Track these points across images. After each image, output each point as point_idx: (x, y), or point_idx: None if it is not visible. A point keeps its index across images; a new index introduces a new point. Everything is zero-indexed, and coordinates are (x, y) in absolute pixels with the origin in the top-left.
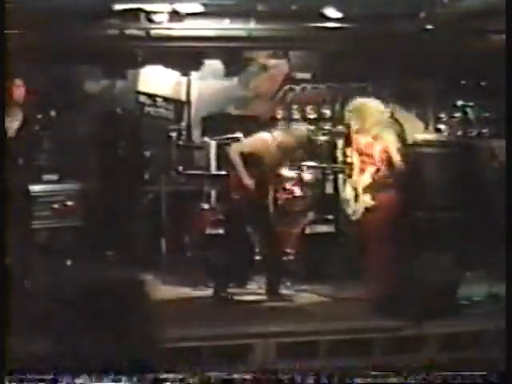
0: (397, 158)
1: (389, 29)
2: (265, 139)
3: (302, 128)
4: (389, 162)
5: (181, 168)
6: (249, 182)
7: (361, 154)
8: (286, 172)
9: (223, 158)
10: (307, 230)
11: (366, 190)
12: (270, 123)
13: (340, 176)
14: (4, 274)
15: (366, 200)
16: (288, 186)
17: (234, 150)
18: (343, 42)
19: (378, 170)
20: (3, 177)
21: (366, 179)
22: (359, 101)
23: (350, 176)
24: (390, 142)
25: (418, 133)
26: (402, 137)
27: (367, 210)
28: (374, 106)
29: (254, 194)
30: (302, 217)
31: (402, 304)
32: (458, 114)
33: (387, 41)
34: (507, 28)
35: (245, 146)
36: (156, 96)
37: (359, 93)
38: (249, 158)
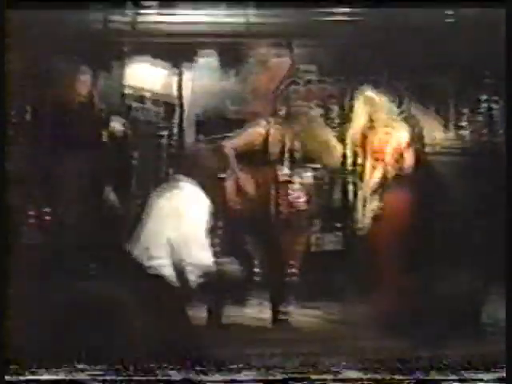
0: (409, 157)
1: (404, 16)
2: (259, 132)
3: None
4: (401, 162)
5: (171, 171)
6: (247, 184)
7: (374, 152)
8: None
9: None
10: (313, 240)
11: (374, 193)
12: None
13: (349, 179)
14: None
15: (374, 204)
16: (291, 190)
17: (226, 146)
18: (353, 31)
19: (386, 171)
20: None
21: (374, 182)
22: (367, 93)
23: (360, 179)
24: (403, 140)
25: (438, 131)
26: (419, 135)
27: (376, 217)
28: (383, 101)
29: (253, 201)
30: (308, 224)
31: (418, 325)
32: (482, 110)
33: (402, 29)
34: (507, 28)
35: (237, 143)
36: (144, 93)
37: (371, 87)
38: (242, 157)
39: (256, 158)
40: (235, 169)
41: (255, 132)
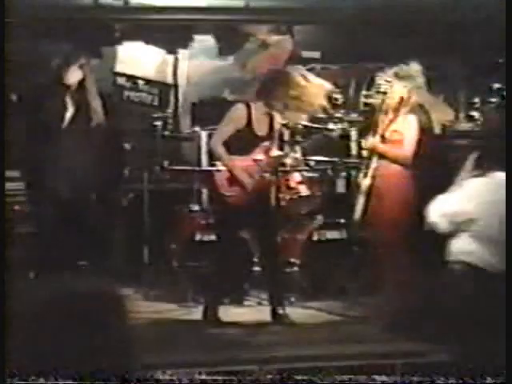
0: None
1: None
2: (240, 112)
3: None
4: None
5: (166, 163)
6: (245, 178)
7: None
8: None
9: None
10: (315, 236)
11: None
12: None
13: (354, 173)
14: None
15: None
16: (293, 183)
17: (214, 143)
18: (358, 14)
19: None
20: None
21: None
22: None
23: (365, 173)
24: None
25: (447, 121)
26: (427, 126)
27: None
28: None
29: (251, 194)
30: (309, 220)
31: (427, 323)
32: (494, 99)
33: (411, 12)
34: (507, 29)
35: (223, 133)
36: (137, 78)
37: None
38: (233, 145)
39: (244, 142)
40: (227, 162)
41: (236, 115)
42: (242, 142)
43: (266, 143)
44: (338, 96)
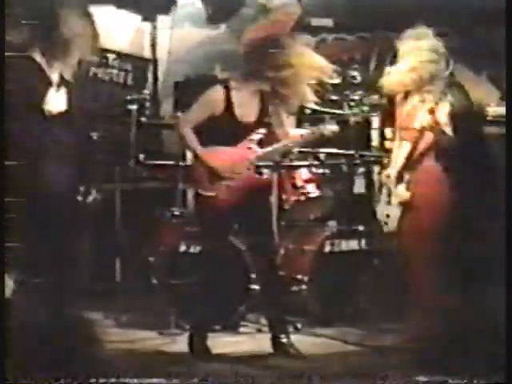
0: (447, 128)
1: None
2: (216, 97)
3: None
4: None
5: (143, 156)
6: (218, 165)
7: (401, 128)
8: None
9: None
10: (327, 247)
11: (400, 177)
12: None
13: (376, 168)
14: None
15: (400, 193)
16: (299, 181)
17: (181, 126)
18: None
19: (414, 146)
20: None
21: (399, 161)
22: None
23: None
24: (441, 111)
25: (491, 103)
26: (466, 108)
27: (405, 211)
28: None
29: (247, 194)
30: (320, 227)
31: (460, 355)
32: None
33: None
34: (507, 28)
35: (193, 116)
36: (106, 51)
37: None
38: (208, 136)
39: (224, 131)
40: (197, 150)
41: (211, 98)
42: (222, 132)
43: (258, 134)
44: (355, 73)
